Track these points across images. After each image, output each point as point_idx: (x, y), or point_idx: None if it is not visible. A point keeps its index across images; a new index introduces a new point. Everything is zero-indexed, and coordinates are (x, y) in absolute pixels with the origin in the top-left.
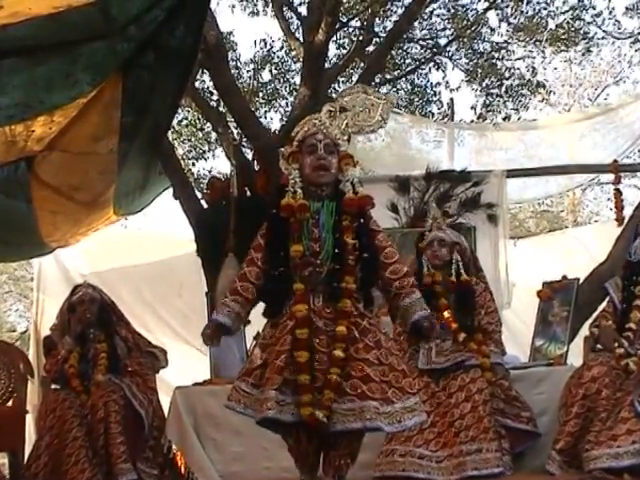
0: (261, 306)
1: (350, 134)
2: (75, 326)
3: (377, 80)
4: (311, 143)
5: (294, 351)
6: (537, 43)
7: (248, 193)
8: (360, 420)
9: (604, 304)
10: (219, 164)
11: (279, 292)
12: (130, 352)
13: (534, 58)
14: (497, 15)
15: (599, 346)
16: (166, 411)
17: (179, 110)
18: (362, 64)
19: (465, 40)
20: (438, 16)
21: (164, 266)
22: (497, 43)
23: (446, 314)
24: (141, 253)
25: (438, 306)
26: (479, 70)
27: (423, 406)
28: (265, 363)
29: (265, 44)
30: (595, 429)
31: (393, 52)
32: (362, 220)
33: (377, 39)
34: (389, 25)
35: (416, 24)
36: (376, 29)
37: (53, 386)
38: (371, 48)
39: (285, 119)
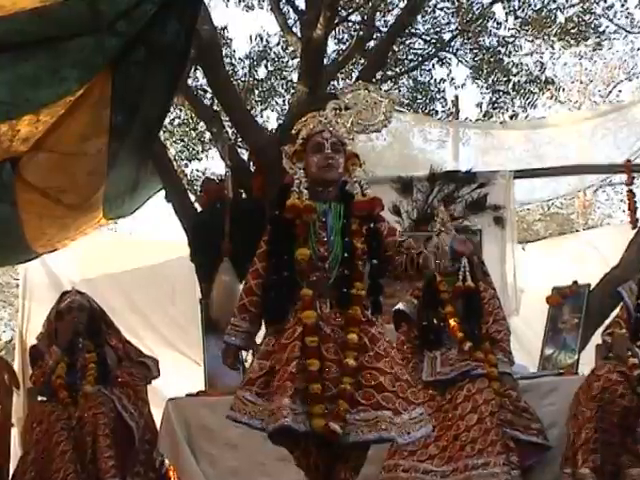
0: None
1: (354, 133)
2: (63, 335)
3: (378, 77)
4: (317, 141)
5: (304, 359)
6: (546, 37)
7: (244, 195)
8: (376, 431)
9: (617, 311)
10: (213, 165)
11: (283, 298)
12: (120, 362)
13: (543, 53)
14: (504, 8)
15: (612, 355)
16: (158, 424)
17: (171, 109)
18: (362, 60)
19: (470, 35)
20: (442, 9)
21: (156, 271)
22: (504, 38)
23: (452, 322)
24: (132, 258)
25: (444, 314)
26: (485, 66)
27: (428, 417)
28: (271, 371)
29: (261, 39)
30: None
31: (395, 47)
32: (372, 224)
33: (378, 34)
34: (391, 19)
35: (419, 18)
36: (377, 23)
37: (40, 398)
38: (372, 43)
39: (282, 118)
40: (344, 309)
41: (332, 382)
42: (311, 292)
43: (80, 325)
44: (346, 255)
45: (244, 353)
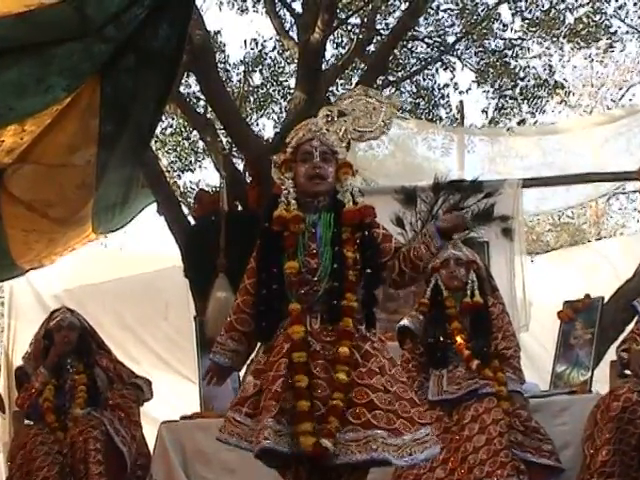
0: None
1: (350, 140)
2: (52, 355)
3: (379, 82)
4: (306, 150)
5: (292, 376)
6: (554, 39)
7: (239, 207)
8: (365, 451)
9: (632, 325)
10: (207, 176)
11: (272, 313)
12: (112, 383)
13: (551, 56)
14: (510, 9)
15: (628, 372)
16: (151, 448)
17: (163, 117)
18: (362, 65)
19: (475, 37)
20: (445, 11)
21: (147, 285)
22: (510, 40)
23: (459, 339)
24: (122, 274)
25: (451, 330)
26: (491, 70)
27: (435, 438)
28: (260, 390)
29: (256, 44)
30: None
31: (396, 51)
32: (366, 232)
33: (379, 37)
34: (392, 22)
35: (421, 20)
36: (377, 26)
37: (26, 422)
38: (372, 47)
39: (279, 126)
40: (334, 322)
41: (321, 401)
42: (299, 306)
43: (70, 345)
44: (335, 265)
45: (241, 373)
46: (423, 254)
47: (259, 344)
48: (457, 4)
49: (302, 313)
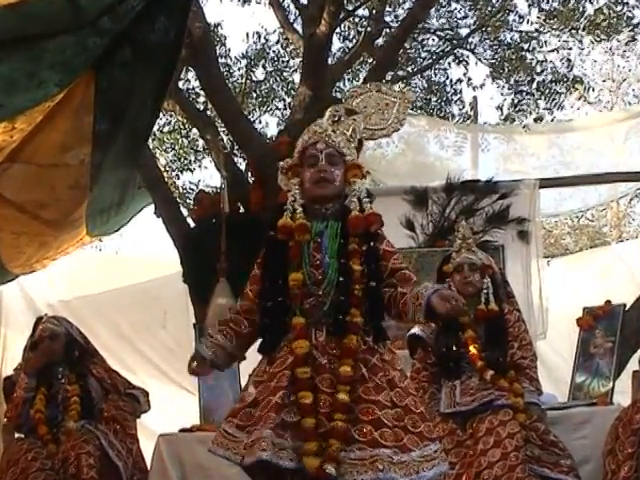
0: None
1: (361, 140)
2: (35, 363)
3: (388, 77)
4: (311, 154)
5: (296, 392)
6: (573, 32)
7: (241, 209)
8: (372, 470)
9: None
10: (207, 176)
11: (276, 326)
12: (106, 394)
13: (570, 49)
14: (526, 0)
15: None
16: (148, 462)
17: (161, 114)
18: (371, 59)
19: (490, 30)
20: (458, 2)
21: (145, 293)
22: (527, 32)
23: (472, 349)
24: (118, 280)
25: (464, 339)
26: (506, 64)
27: (444, 455)
28: (255, 401)
29: (259, 37)
30: None
31: (406, 45)
32: (372, 243)
33: (388, 30)
34: (402, 14)
35: (433, 12)
36: (387, 18)
37: (17, 435)
38: (381, 41)
39: (283, 124)
40: (339, 337)
41: (326, 417)
42: (303, 320)
43: (54, 354)
44: (341, 279)
45: (242, 384)
46: (408, 312)
47: (262, 356)
48: None
49: (307, 327)
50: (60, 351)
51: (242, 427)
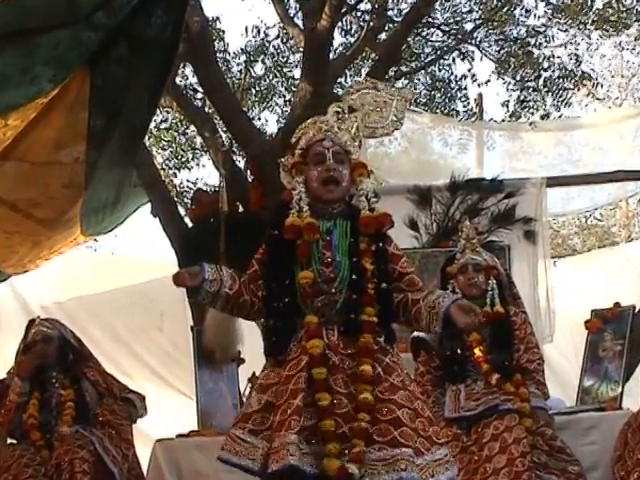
0: (254, 344)
1: (361, 138)
2: (27, 366)
3: (391, 73)
4: (318, 152)
5: (312, 392)
6: (581, 26)
7: (240, 209)
8: (394, 471)
9: None
10: (206, 174)
11: (285, 327)
12: (101, 398)
13: (578, 44)
14: None
15: None
16: (145, 469)
17: (158, 111)
18: (373, 54)
19: (495, 24)
20: None
21: (141, 294)
22: (533, 27)
23: (477, 352)
24: (114, 281)
25: (469, 341)
26: (512, 60)
27: (454, 459)
28: (268, 406)
29: (258, 32)
30: None
31: (410, 40)
32: (380, 244)
33: (391, 24)
34: (405, 7)
35: (437, 6)
36: (389, 12)
37: (9, 440)
38: (384, 35)
39: (283, 121)
40: (352, 337)
41: (343, 418)
42: (316, 319)
43: (47, 358)
44: (354, 277)
45: (242, 388)
46: (421, 321)
47: (266, 359)
48: None
49: (319, 325)
50: (53, 354)
51: (256, 432)
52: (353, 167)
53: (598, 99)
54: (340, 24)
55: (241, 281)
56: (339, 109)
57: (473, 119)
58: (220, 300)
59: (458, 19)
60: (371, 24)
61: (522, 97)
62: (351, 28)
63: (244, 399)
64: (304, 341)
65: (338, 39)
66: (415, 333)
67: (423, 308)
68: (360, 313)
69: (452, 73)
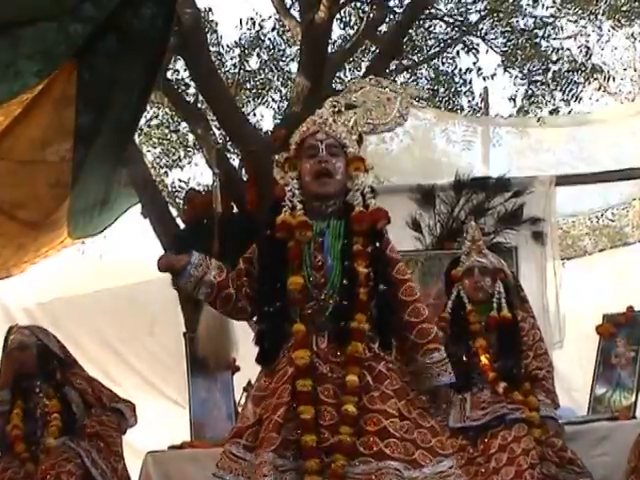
0: (249, 351)
1: (361, 134)
2: (4, 376)
3: (393, 67)
4: (310, 145)
5: (296, 406)
6: (592, 17)
7: (235, 209)
8: None
9: None
10: (198, 173)
11: (276, 334)
12: (89, 408)
13: (588, 36)
14: None
15: None
16: None
17: (148, 107)
18: (374, 47)
19: (501, 15)
20: None
21: (131, 298)
22: (541, 18)
23: (483, 359)
24: (103, 284)
25: (475, 348)
26: (519, 52)
27: (460, 472)
28: (260, 420)
29: (253, 24)
30: None
31: (412, 32)
32: (377, 244)
33: (392, 16)
34: None
35: None
36: (390, 3)
37: None
38: (385, 27)
39: (279, 117)
40: (342, 345)
41: (330, 430)
42: (304, 328)
43: (24, 366)
44: (345, 282)
45: (237, 397)
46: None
47: (260, 368)
48: None
49: (307, 334)
50: (32, 363)
51: (250, 448)
52: (349, 161)
53: (609, 93)
54: (339, 15)
55: (228, 274)
56: (336, 103)
57: (478, 115)
58: (204, 286)
59: (462, 10)
60: (371, 15)
61: (530, 91)
62: (350, 20)
63: (239, 409)
64: (291, 351)
65: (337, 31)
66: None
67: (419, 363)
68: (350, 320)
69: (456, 67)
